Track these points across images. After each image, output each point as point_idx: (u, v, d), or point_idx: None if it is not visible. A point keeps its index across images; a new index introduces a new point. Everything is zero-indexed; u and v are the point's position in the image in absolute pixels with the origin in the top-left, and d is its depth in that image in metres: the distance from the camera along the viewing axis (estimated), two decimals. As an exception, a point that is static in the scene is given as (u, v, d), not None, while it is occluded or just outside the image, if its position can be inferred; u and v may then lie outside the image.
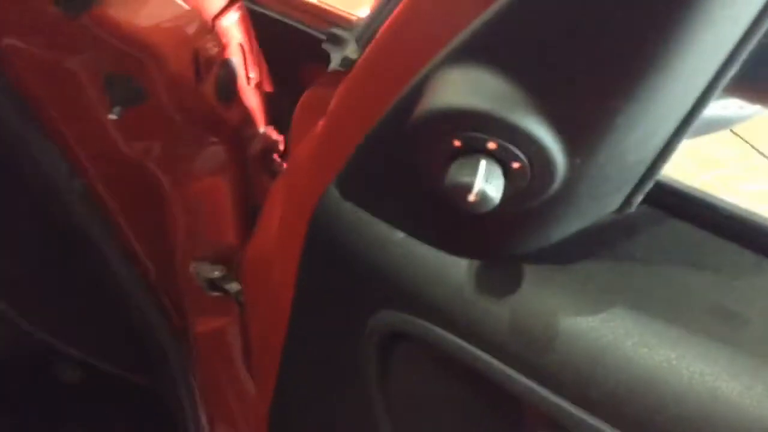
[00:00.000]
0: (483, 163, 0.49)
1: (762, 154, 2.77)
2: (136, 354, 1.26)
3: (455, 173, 0.49)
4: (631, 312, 0.55)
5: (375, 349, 0.66)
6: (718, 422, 0.50)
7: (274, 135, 1.10)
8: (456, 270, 0.60)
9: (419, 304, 0.62)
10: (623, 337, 0.54)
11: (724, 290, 0.55)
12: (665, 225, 0.60)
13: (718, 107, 0.62)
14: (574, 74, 0.46)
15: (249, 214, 1.12)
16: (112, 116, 0.89)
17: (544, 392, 0.56)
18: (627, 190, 0.56)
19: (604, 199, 0.55)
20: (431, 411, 0.68)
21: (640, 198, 0.56)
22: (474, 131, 0.49)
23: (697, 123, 0.51)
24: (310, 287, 0.73)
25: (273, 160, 1.12)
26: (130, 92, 0.89)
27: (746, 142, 2.79)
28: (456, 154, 0.51)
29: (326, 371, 0.77)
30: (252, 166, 1.09)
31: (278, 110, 1.09)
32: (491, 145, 0.49)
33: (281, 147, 1.12)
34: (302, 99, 0.86)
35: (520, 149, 0.49)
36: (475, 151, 0.50)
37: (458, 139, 0.50)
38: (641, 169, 0.54)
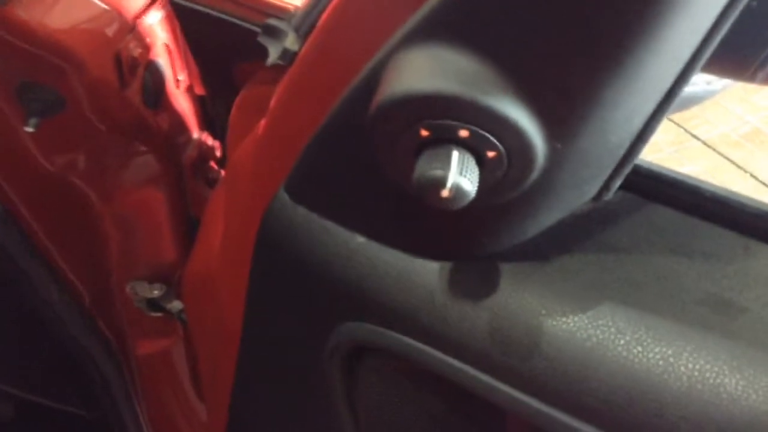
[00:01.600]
0: (455, 154, 0.43)
1: (695, 137, 2.82)
2: (75, 385, 1.18)
3: (425, 166, 0.44)
4: (620, 308, 0.50)
5: (339, 365, 0.60)
6: (724, 422, 0.46)
7: (210, 141, 1.03)
8: (425, 274, 0.54)
9: (386, 313, 0.56)
10: (614, 335, 0.49)
11: (715, 278, 0.51)
12: (645, 211, 0.56)
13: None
14: (555, 47, 0.41)
15: (187, 227, 1.05)
16: (29, 129, 0.81)
17: (531, 402, 0.51)
18: (606, 175, 0.51)
19: (584, 187, 0.51)
20: (407, 430, 0.62)
21: (618, 183, 0.52)
22: (443, 118, 0.44)
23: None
24: (263, 303, 0.67)
25: (210, 168, 1.05)
26: (47, 101, 0.81)
27: (679, 126, 2.84)
28: (424, 146, 0.45)
29: (286, 393, 0.70)
30: (187, 176, 1.02)
31: (212, 114, 1.02)
32: (463, 133, 0.44)
33: (218, 153, 1.05)
34: (239, 98, 0.80)
35: (495, 136, 0.44)
36: (445, 140, 0.44)
37: (425, 128, 0.44)
38: (621, 152, 0.49)
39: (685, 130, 2.84)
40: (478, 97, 0.42)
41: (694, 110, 2.84)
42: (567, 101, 0.43)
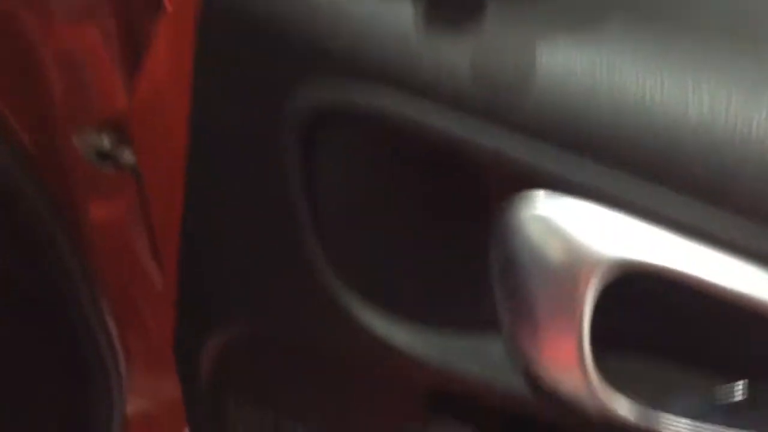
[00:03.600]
0: None
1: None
2: (18, 246, 1.09)
3: None
4: (628, 33, 0.42)
5: (297, 137, 0.51)
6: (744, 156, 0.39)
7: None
8: (398, 13, 0.46)
9: (351, 65, 0.47)
10: (621, 64, 0.41)
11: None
12: None
13: None
14: None
15: (138, 66, 0.96)
16: None
17: (521, 141, 0.43)
18: None
19: None
20: (371, 205, 0.54)
21: None
22: None
23: None
24: (210, 90, 0.58)
25: (161, -5, 0.95)
26: None
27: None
28: None
29: (239, 198, 0.61)
30: (136, 5, 0.91)
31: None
32: None
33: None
34: None
35: None
36: None
37: None
38: None
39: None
40: None
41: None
42: None
